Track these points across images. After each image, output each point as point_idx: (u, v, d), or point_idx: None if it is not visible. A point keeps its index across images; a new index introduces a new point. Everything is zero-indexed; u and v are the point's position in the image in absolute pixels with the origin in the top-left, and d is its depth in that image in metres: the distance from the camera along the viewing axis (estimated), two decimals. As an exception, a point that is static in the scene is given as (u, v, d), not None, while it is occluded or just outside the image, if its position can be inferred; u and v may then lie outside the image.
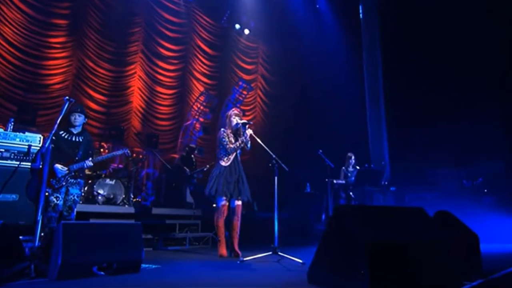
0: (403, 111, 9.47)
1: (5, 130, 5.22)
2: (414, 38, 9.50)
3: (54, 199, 4.46)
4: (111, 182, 7.18)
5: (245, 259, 4.51)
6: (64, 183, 4.54)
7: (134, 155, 9.34)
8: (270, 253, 4.56)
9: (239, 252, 5.00)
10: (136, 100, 9.73)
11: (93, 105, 9.03)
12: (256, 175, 7.84)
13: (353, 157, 7.74)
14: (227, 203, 5.13)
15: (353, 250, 2.67)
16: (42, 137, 5.30)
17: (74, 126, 4.69)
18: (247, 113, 11.34)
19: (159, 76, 10.15)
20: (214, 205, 5.21)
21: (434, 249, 2.85)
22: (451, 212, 3.47)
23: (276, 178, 4.75)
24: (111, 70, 9.30)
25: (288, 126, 11.34)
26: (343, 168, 7.80)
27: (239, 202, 5.15)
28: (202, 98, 10.08)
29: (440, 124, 8.86)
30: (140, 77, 9.83)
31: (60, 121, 4.05)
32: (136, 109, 9.71)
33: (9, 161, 5.01)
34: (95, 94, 9.07)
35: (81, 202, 5.68)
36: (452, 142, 8.59)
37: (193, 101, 10.24)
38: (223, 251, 5.07)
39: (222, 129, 5.31)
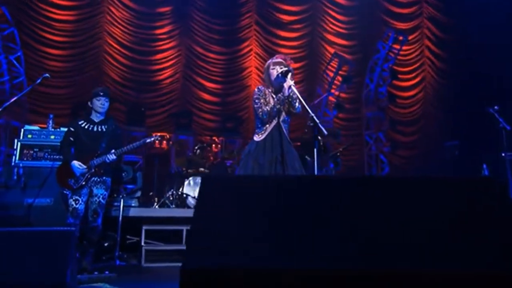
0: None
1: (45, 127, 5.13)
2: None
3: (73, 203, 4.03)
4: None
5: None
6: (84, 183, 4.06)
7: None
8: None
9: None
10: (255, 83, 8.73)
11: (207, 96, 8.60)
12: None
13: None
14: None
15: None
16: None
17: (97, 113, 4.22)
18: (407, 76, 8.65)
19: (280, 49, 8.80)
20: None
21: None
22: None
23: (316, 150, 2.76)
24: (223, 52, 8.69)
25: (465, 84, 8.02)
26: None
27: (284, 195, 3.31)
28: (334, 63, 8.19)
29: None
30: (257, 54, 8.81)
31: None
32: (255, 93, 8.73)
33: (42, 161, 4.82)
34: (208, 83, 8.60)
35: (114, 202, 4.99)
36: None
37: (323, 70, 8.47)
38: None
39: (257, 87, 3.66)
